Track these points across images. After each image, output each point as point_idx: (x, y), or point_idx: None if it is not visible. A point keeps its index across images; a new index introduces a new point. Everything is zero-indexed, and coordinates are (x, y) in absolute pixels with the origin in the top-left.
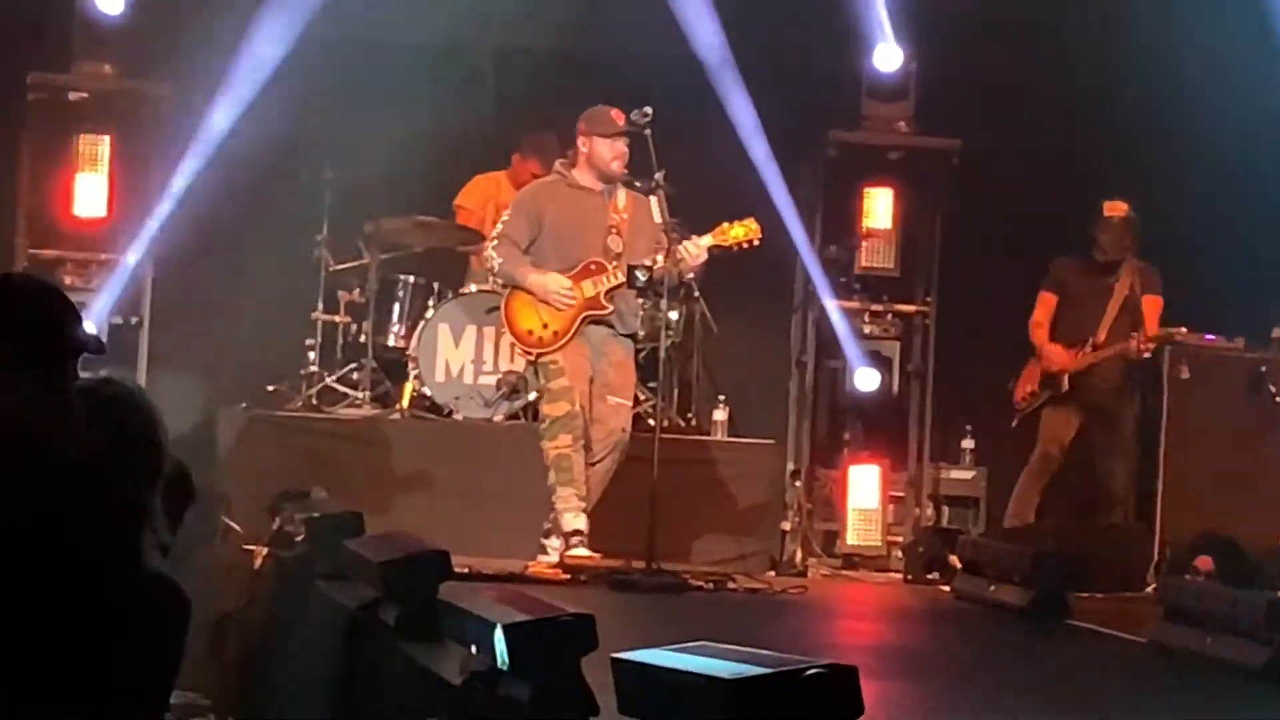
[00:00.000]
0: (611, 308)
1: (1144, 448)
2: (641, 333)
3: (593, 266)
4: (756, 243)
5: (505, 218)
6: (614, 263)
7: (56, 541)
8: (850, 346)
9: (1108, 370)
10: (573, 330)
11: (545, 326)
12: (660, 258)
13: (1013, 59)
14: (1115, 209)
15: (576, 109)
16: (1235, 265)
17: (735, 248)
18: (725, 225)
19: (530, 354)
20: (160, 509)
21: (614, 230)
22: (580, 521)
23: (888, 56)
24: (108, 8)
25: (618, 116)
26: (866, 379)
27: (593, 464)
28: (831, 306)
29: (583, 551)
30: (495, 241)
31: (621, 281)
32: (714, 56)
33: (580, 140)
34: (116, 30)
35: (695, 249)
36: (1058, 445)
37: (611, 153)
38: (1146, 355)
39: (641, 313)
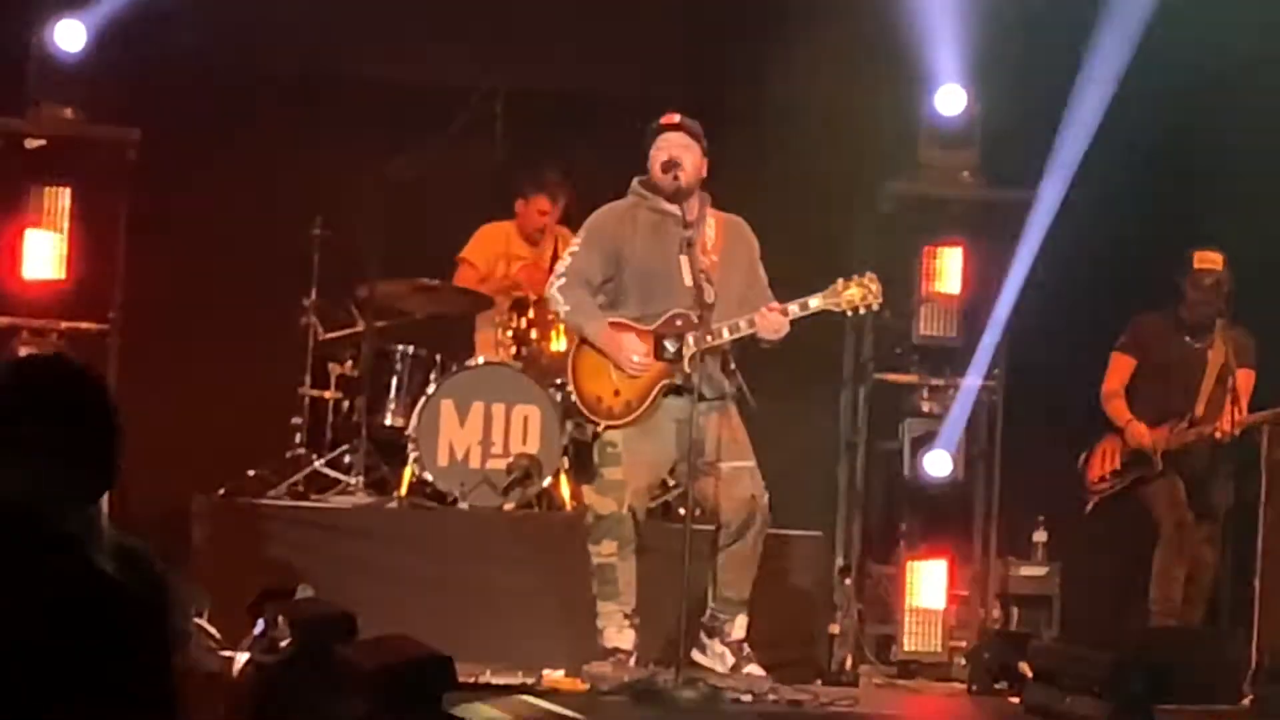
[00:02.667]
0: (693, 373)
1: (1239, 539)
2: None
3: (678, 322)
4: (875, 307)
5: (573, 249)
6: (701, 315)
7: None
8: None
9: (1203, 448)
10: (648, 402)
11: (617, 394)
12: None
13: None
14: (1207, 260)
15: (596, 154)
16: None
17: (850, 312)
18: (840, 283)
19: (596, 424)
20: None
21: (704, 273)
22: (624, 640)
23: (951, 99)
24: (67, 45)
25: (666, 117)
26: (938, 463)
27: (728, 546)
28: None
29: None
30: (561, 280)
31: (720, 343)
32: (749, 98)
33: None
34: (78, 70)
35: (799, 310)
36: (1186, 510)
37: (658, 158)
38: (1229, 438)
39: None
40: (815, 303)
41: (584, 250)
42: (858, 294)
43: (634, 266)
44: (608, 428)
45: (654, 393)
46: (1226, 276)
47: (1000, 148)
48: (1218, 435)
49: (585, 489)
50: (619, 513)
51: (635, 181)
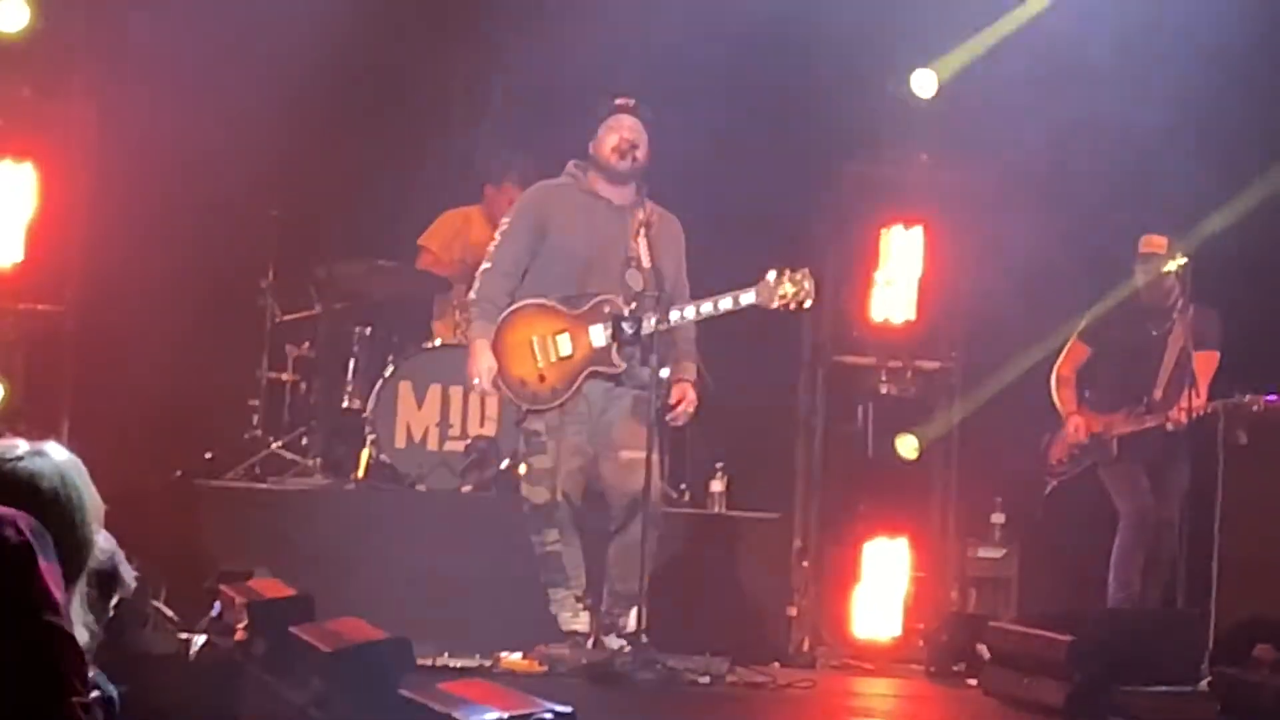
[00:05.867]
0: (624, 365)
1: (1197, 521)
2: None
3: (606, 308)
4: (808, 304)
5: (503, 227)
6: (632, 304)
7: None
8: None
9: (1160, 433)
10: (573, 389)
11: (542, 379)
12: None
13: (1046, 74)
14: (1152, 244)
15: (558, 136)
16: None
17: (783, 309)
18: (771, 279)
19: (518, 406)
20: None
21: (634, 262)
22: (580, 622)
23: (923, 83)
24: (7, 23)
25: (622, 98)
26: (908, 446)
27: (615, 535)
28: None
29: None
30: (486, 265)
31: (675, 324)
32: (712, 78)
33: (590, 143)
34: (31, 47)
35: (731, 305)
36: (1147, 496)
37: (609, 139)
38: (1182, 427)
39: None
40: (747, 298)
41: (510, 230)
42: (790, 290)
43: (560, 246)
44: (529, 411)
45: (580, 379)
46: (1176, 256)
47: (958, 130)
48: (1169, 425)
49: (522, 479)
50: (553, 500)
51: (571, 164)
